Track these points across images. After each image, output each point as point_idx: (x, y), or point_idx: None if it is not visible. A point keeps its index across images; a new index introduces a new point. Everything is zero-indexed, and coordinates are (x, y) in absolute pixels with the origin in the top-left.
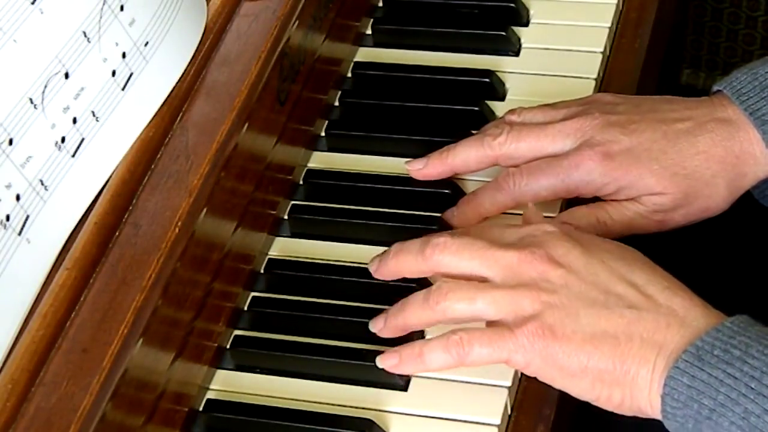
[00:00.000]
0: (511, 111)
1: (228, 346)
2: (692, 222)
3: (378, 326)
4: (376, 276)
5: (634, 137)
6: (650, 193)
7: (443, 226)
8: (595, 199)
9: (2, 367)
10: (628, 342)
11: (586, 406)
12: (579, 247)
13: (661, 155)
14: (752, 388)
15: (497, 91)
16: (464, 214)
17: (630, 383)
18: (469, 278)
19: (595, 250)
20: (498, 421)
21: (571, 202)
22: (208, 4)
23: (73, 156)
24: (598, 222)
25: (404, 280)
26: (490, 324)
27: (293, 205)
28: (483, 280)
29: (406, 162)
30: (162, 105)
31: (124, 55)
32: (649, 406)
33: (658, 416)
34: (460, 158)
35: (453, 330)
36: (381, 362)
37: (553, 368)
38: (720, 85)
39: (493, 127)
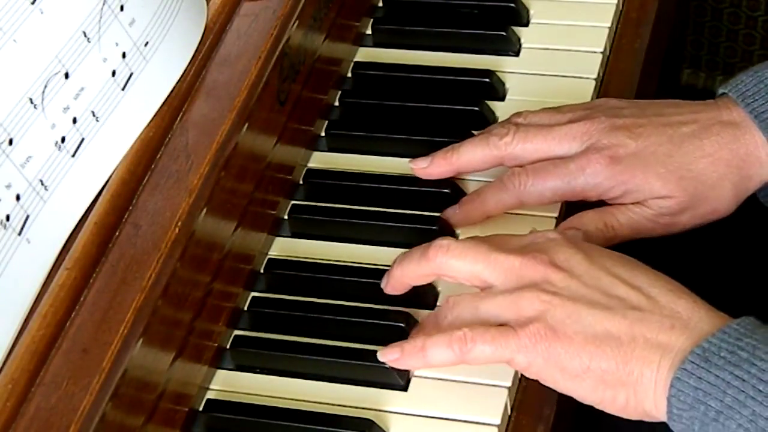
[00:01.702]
0: (517, 114)
1: (228, 346)
2: (698, 225)
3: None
4: (387, 291)
5: (641, 141)
6: (656, 197)
7: (443, 226)
8: (600, 203)
9: (2, 367)
10: (631, 343)
11: (586, 406)
12: (581, 253)
13: (667, 159)
14: (760, 391)
15: (497, 91)
16: (467, 213)
17: (634, 384)
18: (470, 281)
19: (596, 256)
20: (498, 421)
21: (576, 205)
22: (208, 4)
23: (73, 156)
24: (605, 226)
25: None
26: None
27: (293, 205)
28: (484, 284)
29: (410, 160)
30: (162, 105)
31: (124, 55)
32: (655, 408)
33: (663, 418)
34: (465, 157)
35: (458, 326)
36: (382, 356)
37: (556, 369)
38: (725, 88)
39: (499, 127)
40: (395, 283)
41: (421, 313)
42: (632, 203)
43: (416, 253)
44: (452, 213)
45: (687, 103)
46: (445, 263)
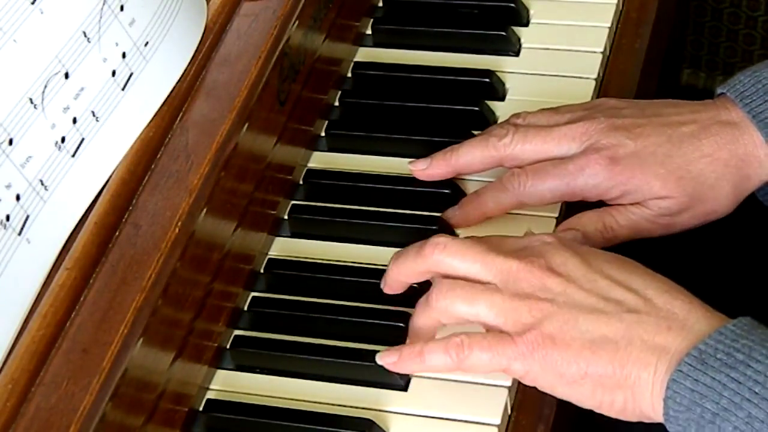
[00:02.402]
0: (515, 115)
1: (228, 346)
2: (697, 225)
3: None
4: (386, 292)
5: (640, 141)
6: (655, 197)
7: (443, 226)
8: (600, 203)
9: (2, 367)
10: (628, 346)
11: None
12: (577, 257)
13: (666, 159)
14: (756, 393)
15: (497, 91)
16: (467, 214)
17: (632, 386)
18: (466, 280)
19: (592, 259)
20: (498, 421)
21: (576, 206)
22: (208, 4)
23: (73, 156)
24: (605, 227)
25: None
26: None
27: (293, 205)
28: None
29: (410, 162)
30: (162, 105)
31: (124, 55)
32: (652, 410)
33: (660, 420)
34: (465, 159)
35: (455, 333)
36: (380, 359)
37: (553, 376)
38: (723, 88)
39: (498, 129)
40: (392, 283)
41: None
42: (631, 204)
43: (412, 251)
44: (452, 214)
45: (686, 103)
46: (441, 261)
